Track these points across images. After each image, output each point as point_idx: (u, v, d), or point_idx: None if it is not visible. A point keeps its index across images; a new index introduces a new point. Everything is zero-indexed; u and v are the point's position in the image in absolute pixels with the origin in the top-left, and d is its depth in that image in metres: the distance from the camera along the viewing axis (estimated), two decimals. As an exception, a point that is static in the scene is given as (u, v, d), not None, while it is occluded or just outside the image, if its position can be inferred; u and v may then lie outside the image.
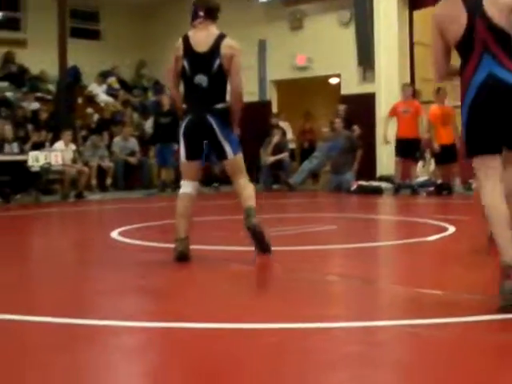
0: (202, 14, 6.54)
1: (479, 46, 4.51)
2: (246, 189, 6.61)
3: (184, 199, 6.61)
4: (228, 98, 6.64)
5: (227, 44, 6.46)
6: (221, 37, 6.49)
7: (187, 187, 6.64)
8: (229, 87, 6.62)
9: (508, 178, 4.57)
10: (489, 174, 4.47)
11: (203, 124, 6.49)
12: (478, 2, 4.55)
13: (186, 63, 6.54)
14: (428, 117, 14.94)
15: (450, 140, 14.60)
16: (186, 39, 6.57)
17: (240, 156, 6.67)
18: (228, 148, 6.55)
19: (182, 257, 6.46)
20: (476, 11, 4.53)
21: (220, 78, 6.49)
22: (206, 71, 6.46)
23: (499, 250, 4.35)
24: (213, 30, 6.55)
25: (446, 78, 5.12)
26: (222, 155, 6.62)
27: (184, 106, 6.76)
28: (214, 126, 6.47)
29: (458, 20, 4.57)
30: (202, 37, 6.52)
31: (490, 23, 4.51)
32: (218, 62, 6.43)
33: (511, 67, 4.47)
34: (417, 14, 18.67)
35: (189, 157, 6.62)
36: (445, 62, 4.76)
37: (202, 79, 6.47)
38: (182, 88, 6.80)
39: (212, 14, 6.59)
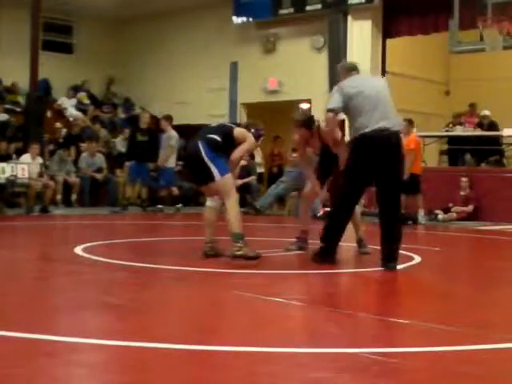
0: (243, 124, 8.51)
1: None
2: (229, 214, 7.57)
3: (207, 211, 8.07)
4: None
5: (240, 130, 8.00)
6: (246, 126, 8.26)
7: (209, 202, 8.05)
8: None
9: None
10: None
11: (192, 150, 7.73)
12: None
13: None
14: (414, 145, 14.57)
15: (417, 170, 14.59)
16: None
17: (225, 177, 7.59)
18: (215, 170, 7.55)
19: (206, 256, 7.91)
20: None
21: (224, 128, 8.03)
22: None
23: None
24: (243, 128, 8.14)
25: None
26: (210, 177, 7.58)
27: None
28: (200, 148, 7.60)
29: None
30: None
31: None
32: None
33: None
34: (390, 42, 18.82)
35: (196, 182, 8.22)
36: None
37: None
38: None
39: (246, 127, 8.22)
